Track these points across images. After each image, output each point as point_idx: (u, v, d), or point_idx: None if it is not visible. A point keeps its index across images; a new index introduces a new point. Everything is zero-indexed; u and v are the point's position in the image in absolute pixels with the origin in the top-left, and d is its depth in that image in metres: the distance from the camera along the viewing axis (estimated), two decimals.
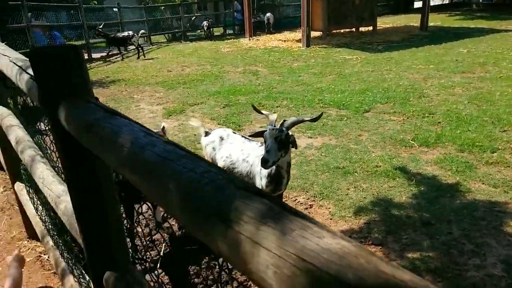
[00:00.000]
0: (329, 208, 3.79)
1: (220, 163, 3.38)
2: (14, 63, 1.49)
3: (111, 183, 1.21)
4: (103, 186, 1.19)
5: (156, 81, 9.44)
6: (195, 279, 3.01)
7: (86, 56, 13.28)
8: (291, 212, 0.48)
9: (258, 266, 0.45)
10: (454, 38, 12.92)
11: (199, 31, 19.90)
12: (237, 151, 3.20)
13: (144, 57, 13.07)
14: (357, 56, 10.88)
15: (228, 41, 16.48)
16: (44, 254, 3.31)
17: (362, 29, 15.66)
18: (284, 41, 14.86)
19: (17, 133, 2.40)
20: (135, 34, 13.02)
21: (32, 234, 3.46)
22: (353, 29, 15.64)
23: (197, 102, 7.39)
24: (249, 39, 15.69)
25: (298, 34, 15.68)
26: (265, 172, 3.16)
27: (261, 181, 3.08)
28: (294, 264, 0.41)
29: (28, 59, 1.62)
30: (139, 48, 13.06)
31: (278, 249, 0.43)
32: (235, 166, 3.14)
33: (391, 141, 5.11)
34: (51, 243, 2.58)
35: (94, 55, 14.25)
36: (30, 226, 3.24)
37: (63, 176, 1.82)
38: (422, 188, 3.98)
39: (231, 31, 20.51)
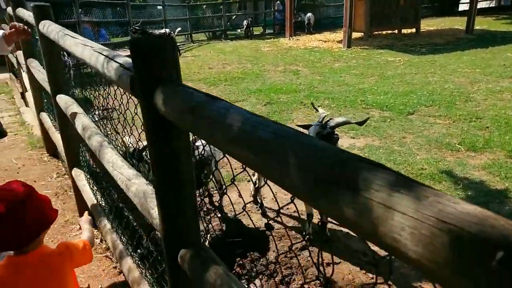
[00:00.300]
0: None
1: None
2: (100, 52, 1.60)
3: (190, 164, 1.29)
4: (184, 166, 1.28)
5: (198, 78, 9.64)
6: (239, 270, 3.09)
7: None
8: (418, 182, 0.53)
9: (392, 228, 0.50)
10: (501, 42, 12.47)
11: (239, 30, 20.09)
12: None
13: (180, 54, 13.33)
14: (399, 58, 10.70)
15: (268, 40, 16.56)
16: (96, 238, 3.47)
17: (404, 31, 15.37)
18: (325, 41, 14.79)
19: (82, 120, 2.54)
20: (171, 32, 13.27)
21: None
22: (395, 31, 15.36)
23: (239, 99, 7.50)
24: (289, 39, 15.70)
25: (338, 35, 15.57)
26: None
27: None
28: (433, 225, 0.46)
29: (107, 49, 1.74)
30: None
31: (415, 213, 0.48)
32: None
33: (436, 144, 5.03)
34: (108, 226, 2.72)
35: None
36: (83, 211, 3.42)
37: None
38: (469, 193, 3.91)
39: (270, 31, 20.57)
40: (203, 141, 3.07)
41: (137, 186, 1.74)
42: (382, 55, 11.24)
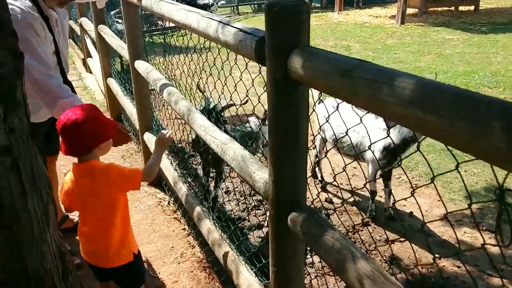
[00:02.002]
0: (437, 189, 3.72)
1: (330, 132, 3.44)
2: (211, 18, 1.62)
3: (307, 127, 1.32)
4: (303, 126, 1.30)
5: None
6: None
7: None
8: None
9: None
10: None
11: None
12: (348, 121, 3.20)
13: None
14: (458, 36, 10.22)
15: (316, 14, 16.17)
16: (164, 201, 3.61)
17: (462, 8, 14.59)
18: (376, 17, 14.29)
19: (167, 86, 2.61)
20: (214, 3, 13.15)
21: (152, 182, 3.76)
22: (452, 8, 14.61)
23: None
24: (338, 13, 15.28)
25: (390, 11, 15.00)
26: (380, 145, 3.17)
27: (373, 154, 3.08)
28: None
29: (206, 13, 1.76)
30: None
31: None
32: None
33: None
34: (184, 189, 2.81)
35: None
36: None
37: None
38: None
39: (318, 4, 20.06)
40: (255, 120, 3.10)
41: (233, 150, 1.79)
42: (438, 33, 10.77)
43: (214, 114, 2.58)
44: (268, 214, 3.29)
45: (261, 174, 1.56)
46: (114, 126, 1.94)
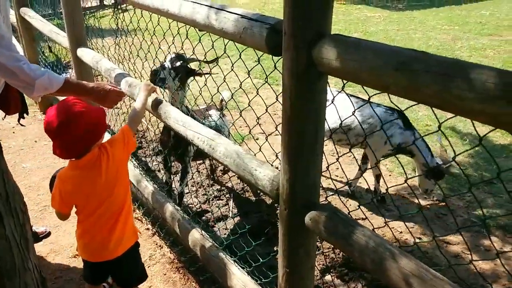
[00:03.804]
0: (386, 165, 3.87)
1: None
2: (196, 2, 1.46)
3: (323, 122, 1.24)
4: (321, 121, 1.22)
5: None
6: None
7: None
8: None
9: None
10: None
11: None
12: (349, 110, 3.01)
13: None
14: (379, 13, 10.69)
15: None
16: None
17: None
18: None
19: (124, 75, 2.37)
20: None
21: None
22: None
23: None
24: None
25: None
26: (397, 141, 3.06)
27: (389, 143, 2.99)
28: None
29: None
30: None
31: None
32: (351, 126, 3.08)
33: None
34: (150, 187, 2.59)
35: None
36: None
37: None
38: (476, 148, 4.06)
39: None
40: (216, 112, 2.94)
41: (224, 146, 1.66)
42: (360, 11, 11.17)
43: (177, 65, 2.35)
44: (230, 204, 3.22)
45: (264, 171, 1.46)
46: (104, 114, 1.73)
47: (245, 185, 3.44)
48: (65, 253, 2.67)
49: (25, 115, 2.38)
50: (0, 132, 4.13)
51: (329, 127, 2.95)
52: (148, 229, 2.89)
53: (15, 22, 4.14)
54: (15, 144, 4.00)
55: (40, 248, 2.69)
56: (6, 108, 2.20)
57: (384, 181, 2.89)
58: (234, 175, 3.51)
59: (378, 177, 3.34)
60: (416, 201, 3.36)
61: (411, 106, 1.04)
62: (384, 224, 1.50)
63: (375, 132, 2.96)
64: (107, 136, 1.99)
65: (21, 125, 2.44)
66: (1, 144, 1.53)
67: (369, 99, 1.15)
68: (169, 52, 2.38)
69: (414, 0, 12.75)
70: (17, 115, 2.34)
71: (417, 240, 2.93)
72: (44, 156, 3.76)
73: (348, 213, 1.35)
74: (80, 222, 1.81)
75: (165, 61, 2.38)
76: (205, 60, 2.25)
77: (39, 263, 1.43)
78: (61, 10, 3.03)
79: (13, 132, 4.18)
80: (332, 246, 2.72)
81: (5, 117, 2.33)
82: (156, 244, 2.76)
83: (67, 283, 2.43)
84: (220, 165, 3.54)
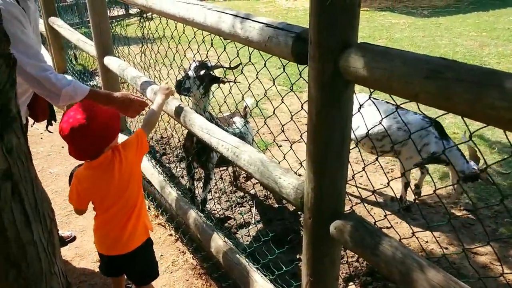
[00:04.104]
0: (413, 173, 3.80)
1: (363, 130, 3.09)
2: (222, 12, 1.47)
3: (350, 130, 1.23)
4: (348, 130, 1.21)
5: None
6: None
7: None
8: None
9: None
10: (501, 6, 12.38)
11: None
12: (388, 118, 3.00)
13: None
14: (403, 20, 10.56)
15: (264, 0, 16.06)
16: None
17: None
18: None
19: (150, 84, 2.40)
20: None
21: None
22: None
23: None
24: (286, 0, 15.27)
25: None
26: (430, 149, 3.03)
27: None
28: None
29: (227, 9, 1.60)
30: None
31: None
32: (385, 134, 3.03)
33: None
34: (174, 194, 2.61)
35: None
36: None
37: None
38: (505, 157, 3.95)
39: None
40: (240, 120, 2.95)
41: (249, 154, 1.67)
42: (385, 17, 11.06)
43: (201, 73, 2.38)
44: (253, 211, 3.21)
45: (288, 180, 1.45)
46: (116, 118, 1.76)
47: (268, 192, 3.44)
48: (90, 258, 2.71)
49: (53, 122, 2.45)
50: (29, 138, 4.25)
51: (367, 133, 2.94)
52: (171, 235, 2.91)
53: (44, 32, 4.28)
54: (43, 150, 4.12)
55: (66, 253, 2.74)
56: (35, 116, 2.27)
57: (411, 190, 2.84)
58: (257, 182, 3.51)
59: (406, 185, 3.29)
60: (442, 210, 3.28)
61: (441, 115, 1.02)
62: (412, 234, 1.47)
63: (410, 139, 2.90)
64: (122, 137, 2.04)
65: (49, 131, 2.52)
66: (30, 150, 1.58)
67: (403, 108, 1.14)
68: (194, 60, 2.41)
69: (439, 6, 12.58)
70: (45, 121, 2.42)
71: (444, 251, 2.86)
72: (71, 162, 3.84)
73: (374, 223, 1.33)
74: (96, 217, 1.91)
75: (189, 69, 2.41)
76: (229, 66, 2.27)
77: (65, 268, 1.46)
78: (88, 19, 3.12)
79: (41, 138, 4.30)
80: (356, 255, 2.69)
81: (33, 124, 2.41)
82: (179, 250, 2.78)
83: None
84: (243, 172, 3.54)
